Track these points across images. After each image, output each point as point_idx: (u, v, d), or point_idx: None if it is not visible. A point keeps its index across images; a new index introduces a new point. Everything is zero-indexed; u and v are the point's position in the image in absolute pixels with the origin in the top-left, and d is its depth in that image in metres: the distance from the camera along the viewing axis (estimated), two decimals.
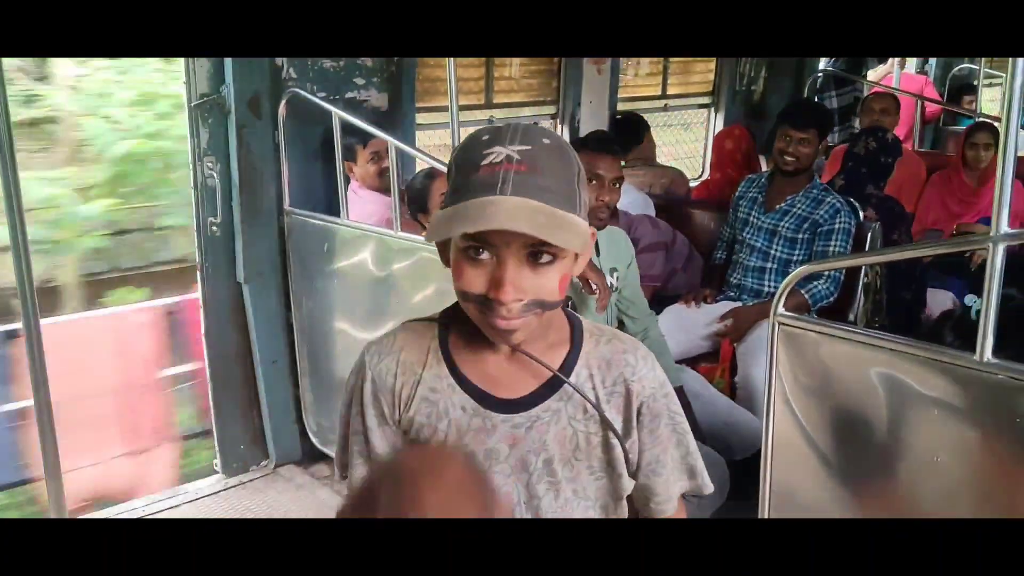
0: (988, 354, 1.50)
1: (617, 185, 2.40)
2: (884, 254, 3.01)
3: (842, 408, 1.76)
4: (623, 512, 1.17)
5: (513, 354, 1.09)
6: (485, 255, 0.97)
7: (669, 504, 1.18)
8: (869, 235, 3.14)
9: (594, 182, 2.36)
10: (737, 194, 3.34)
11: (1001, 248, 1.47)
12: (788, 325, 1.82)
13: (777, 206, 3.13)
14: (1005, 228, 1.46)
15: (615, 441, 1.11)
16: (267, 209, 3.17)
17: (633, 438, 1.12)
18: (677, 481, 1.18)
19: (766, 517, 1.93)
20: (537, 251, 0.97)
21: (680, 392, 2.68)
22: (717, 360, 3.17)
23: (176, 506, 3.22)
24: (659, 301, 3.35)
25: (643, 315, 2.67)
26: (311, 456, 3.45)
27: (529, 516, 1.11)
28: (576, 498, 1.12)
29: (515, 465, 1.09)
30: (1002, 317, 1.65)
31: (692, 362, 3.12)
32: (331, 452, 3.33)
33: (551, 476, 1.10)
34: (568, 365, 1.10)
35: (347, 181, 3.05)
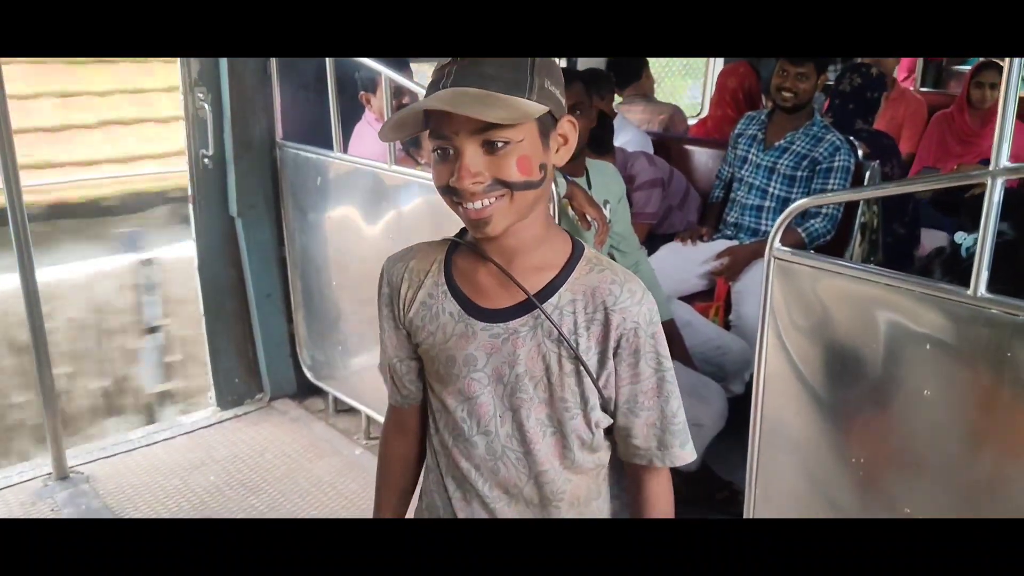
0: (982, 289, 1.49)
1: (579, 112, 2.35)
2: (881, 189, 2.98)
3: (834, 343, 1.76)
4: (599, 444, 1.17)
5: (506, 268, 1.12)
6: (450, 152, 1.04)
7: (647, 453, 1.16)
8: (868, 174, 3.11)
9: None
10: (736, 131, 3.30)
11: (1000, 183, 1.45)
12: (784, 260, 1.81)
13: (776, 143, 3.10)
14: (1005, 163, 1.44)
15: (586, 369, 1.11)
16: (259, 142, 3.13)
17: (609, 370, 1.12)
18: (654, 429, 1.15)
19: (756, 453, 1.94)
20: (491, 139, 1.02)
21: (671, 324, 2.69)
22: (712, 298, 3.17)
23: (172, 438, 3.25)
24: (655, 238, 3.34)
25: (633, 250, 2.65)
26: (306, 389, 3.47)
27: (502, 429, 1.15)
28: (551, 424, 1.14)
29: (491, 374, 1.13)
30: (995, 252, 1.65)
31: (688, 300, 3.11)
32: (325, 386, 3.37)
33: (523, 392, 1.12)
34: (551, 287, 1.12)
35: (341, 115, 2.99)
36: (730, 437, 1.98)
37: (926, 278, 1.69)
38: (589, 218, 2.35)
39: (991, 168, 1.45)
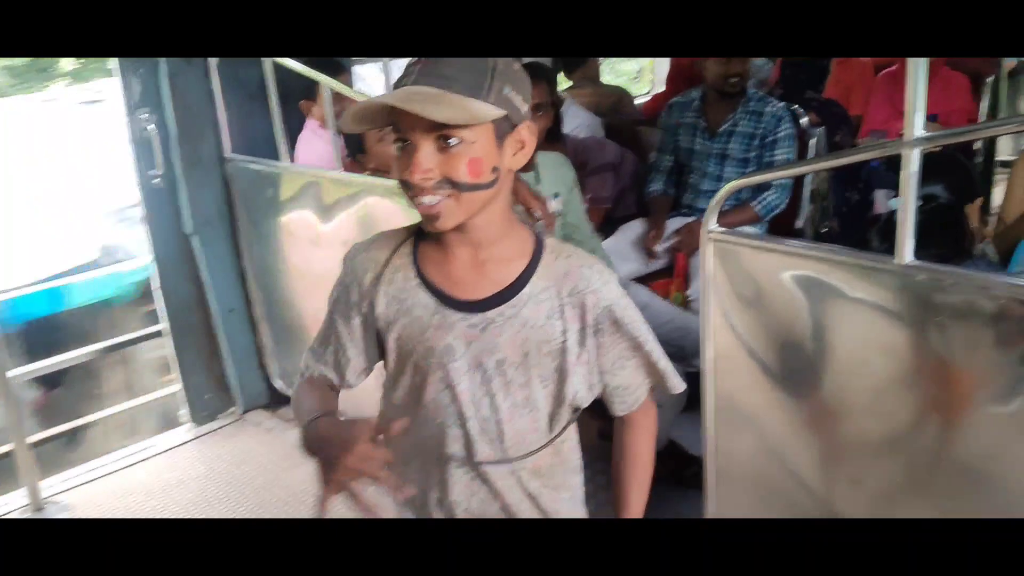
0: (909, 256, 1.53)
1: (541, 112, 2.37)
2: (805, 165, 2.98)
3: (776, 318, 1.79)
4: (567, 415, 1.27)
5: (475, 261, 1.19)
6: (409, 145, 1.09)
7: (636, 394, 1.32)
8: (813, 141, 3.15)
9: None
10: (669, 122, 3.23)
11: (916, 152, 1.48)
12: (720, 241, 1.84)
13: (720, 129, 3.07)
14: (919, 132, 1.47)
15: (567, 348, 1.20)
16: (208, 158, 3.13)
17: (589, 346, 1.23)
18: (644, 376, 1.31)
19: (711, 430, 1.98)
20: (445, 135, 1.07)
21: None
22: (672, 275, 3.20)
23: (147, 458, 3.25)
24: (611, 222, 3.36)
25: (587, 238, 2.67)
26: (277, 399, 3.48)
27: (479, 413, 1.22)
28: (526, 405, 1.23)
29: (470, 362, 1.19)
30: (927, 217, 1.68)
31: (647, 279, 3.14)
32: None
33: (502, 377, 1.20)
34: (525, 276, 1.19)
35: (286, 125, 2.99)
36: (696, 413, 2.01)
37: (865, 246, 1.73)
38: (535, 212, 2.37)
39: (905, 138, 1.48)
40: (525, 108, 1.15)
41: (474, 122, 1.07)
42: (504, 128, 1.11)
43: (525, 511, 1.29)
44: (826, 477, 1.80)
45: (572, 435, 1.32)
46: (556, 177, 2.55)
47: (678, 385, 1.34)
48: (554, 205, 2.51)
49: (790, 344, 1.79)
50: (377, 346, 1.28)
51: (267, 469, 3.12)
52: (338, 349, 1.29)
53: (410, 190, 1.11)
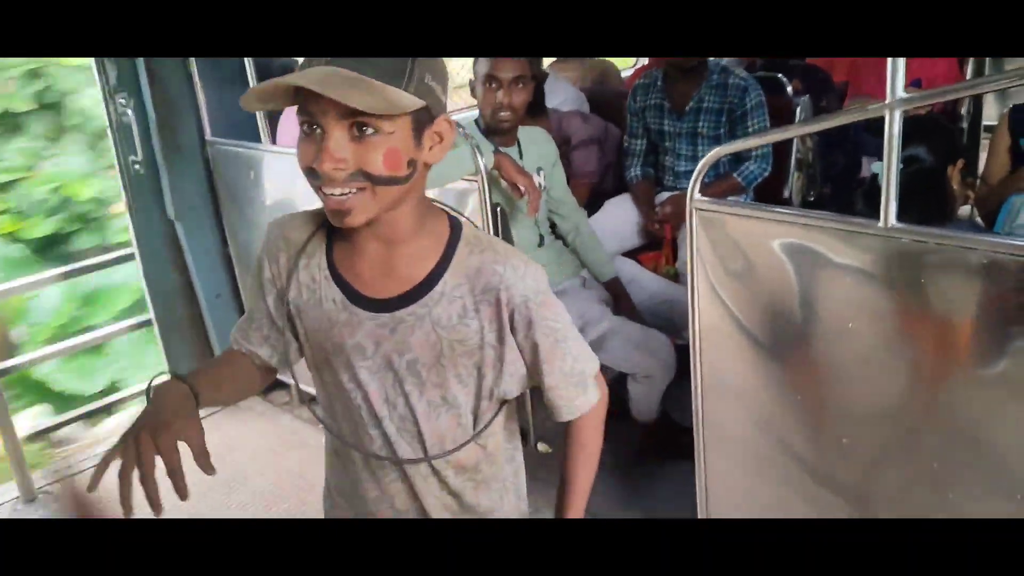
0: (892, 219, 1.52)
1: (521, 85, 2.35)
2: (785, 131, 2.94)
3: (763, 286, 1.78)
4: (492, 410, 1.21)
5: (385, 257, 1.12)
6: (317, 130, 1.00)
7: (569, 407, 1.23)
8: (799, 109, 3.13)
9: (492, 85, 2.34)
10: (635, 106, 3.16)
11: (898, 114, 1.47)
12: (705, 211, 1.83)
13: (687, 108, 2.99)
14: (901, 93, 1.46)
15: (485, 346, 1.14)
16: (189, 142, 3.10)
17: (510, 344, 1.16)
18: (567, 387, 1.21)
19: (700, 402, 1.98)
20: (361, 123, 0.98)
21: (616, 282, 2.71)
22: (660, 248, 3.19)
23: None
24: (597, 196, 3.34)
25: (573, 212, 2.66)
26: (268, 384, 3.46)
27: (395, 413, 1.17)
28: (444, 404, 1.17)
29: (380, 363, 1.14)
30: (910, 180, 1.67)
31: (636, 252, 3.13)
32: (287, 378, 3.36)
33: (415, 377, 1.14)
34: (436, 274, 1.12)
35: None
36: (688, 385, 2.01)
37: (850, 211, 1.72)
38: (521, 187, 2.36)
39: (887, 100, 1.47)
40: (445, 99, 1.07)
41: (393, 111, 0.98)
42: (423, 119, 1.03)
43: (446, 509, 1.24)
44: (815, 443, 1.80)
45: (499, 428, 1.25)
46: (539, 152, 2.53)
47: (582, 407, 1.24)
48: (538, 180, 2.50)
49: (777, 312, 1.78)
50: (292, 330, 1.21)
51: (259, 455, 3.11)
52: (260, 326, 1.23)
53: (317, 180, 1.02)
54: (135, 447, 1.02)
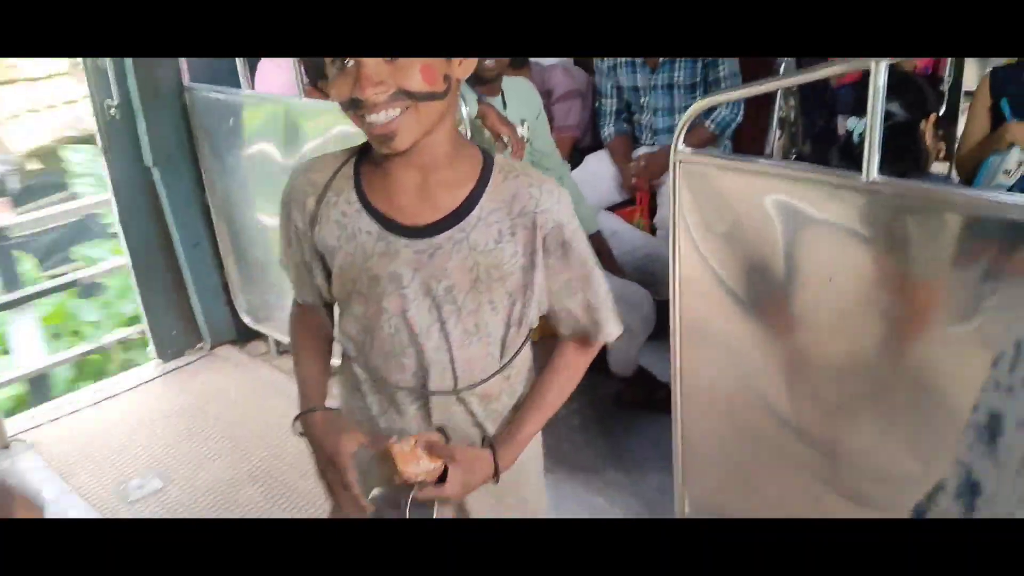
0: (874, 173, 1.52)
1: None
2: (764, 84, 2.94)
3: (744, 239, 1.78)
4: (520, 339, 1.24)
5: (422, 185, 1.14)
6: (349, 63, 1.02)
7: (582, 331, 1.29)
8: (783, 67, 3.12)
9: None
10: (603, 65, 3.14)
11: (883, 66, 1.47)
12: (688, 162, 1.83)
13: (659, 60, 2.97)
14: None
15: (519, 272, 1.17)
16: (166, 87, 3.04)
17: (539, 268, 1.19)
18: (595, 311, 1.26)
19: (678, 354, 1.99)
20: None
21: (598, 236, 2.71)
22: (634, 203, 3.19)
23: (115, 395, 3.23)
24: (580, 151, 3.33)
25: (556, 165, 2.66)
26: (245, 334, 3.46)
27: (430, 341, 1.18)
28: (477, 332, 1.19)
29: (417, 290, 1.16)
30: (885, 135, 1.67)
31: (614, 209, 3.13)
32: (264, 329, 3.36)
33: (452, 304, 1.16)
34: (473, 198, 1.15)
35: None
36: (666, 340, 2.02)
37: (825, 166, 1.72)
38: (505, 139, 2.34)
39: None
40: None
41: None
42: None
43: (467, 439, 1.26)
44: (791, 396, 1.83)
45: (523, 362, 1.28)
46: (522, 103, 2.52)
47: (613, 333, 1.29)
48: (522, 131, 2.48)
49: (757, 265, 1.79)
50: (322, 269, 1.24)
51: (237, 404, 3.11)
52: (305, 274, 1.25)
53: (360, 109, 1.03)
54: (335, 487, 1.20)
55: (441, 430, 1.24)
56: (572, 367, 1.34)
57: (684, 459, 2.11)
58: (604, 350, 2.66)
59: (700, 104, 1.86)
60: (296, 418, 1.26)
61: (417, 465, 1.16)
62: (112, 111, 2.98)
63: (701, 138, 2.96)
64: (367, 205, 1.16)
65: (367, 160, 1.17)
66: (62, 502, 2.61)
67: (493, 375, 1.23)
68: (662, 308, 2.61)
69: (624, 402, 2.84)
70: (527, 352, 1.29)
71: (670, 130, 3.08)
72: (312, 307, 1.30)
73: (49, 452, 2.88)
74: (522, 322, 1.22)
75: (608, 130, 3.21)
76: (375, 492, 1.20)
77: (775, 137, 3.15)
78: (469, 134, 2.23)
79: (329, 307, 1.31)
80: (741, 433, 1.94)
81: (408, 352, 1.19)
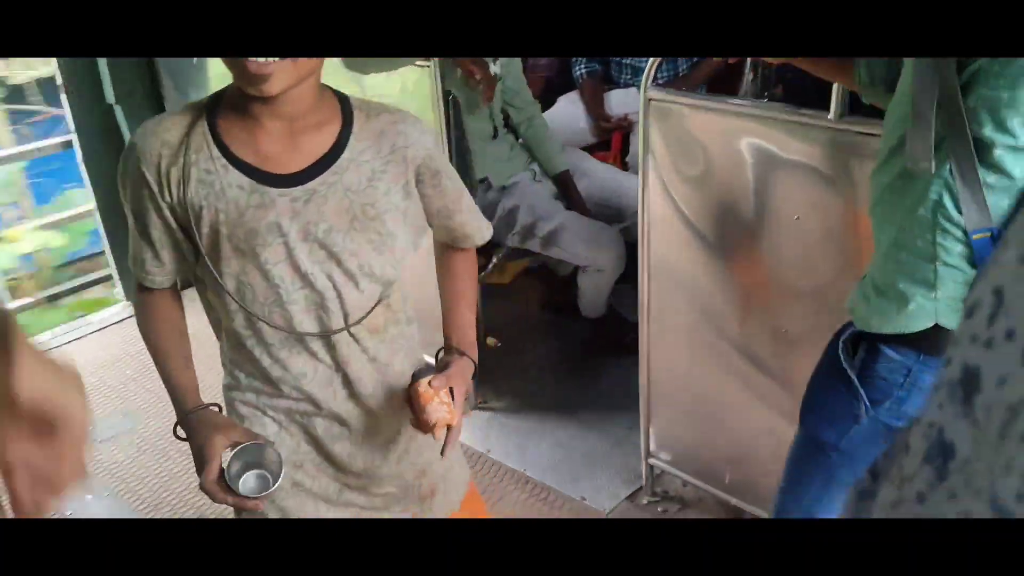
0: (842, 111, 1.53)
1: None
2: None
3: (712, 179, 1.80)
4: (397, 270, 1.26)
5: (288, 133, 1.13)
6: None
7: (469, 240, 1.36)
8: None
9: None
10: None
11: None
12: (657, 100, 1.82)
13: None
14: None
15: (393, 207, 1.19)
16: None
17: (414, 198, 1.23)
18: (472, 221, 1.34)
19: (647, 294, 2.01)
20: None
21: (566, 175, 2.70)
22: (608, 148, 3.19)
23: (82, 337, 3.21)
24: (552, 90, 3.30)
25: (527, 104, 2.64)
26: None
27: (315, 285, 1.18)
28: (360, 270, 1.20)
29: (297, 236, 1.15)
30: None
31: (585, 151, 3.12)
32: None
33: (333, 246, 1.17)
34: (341, 141, 1.16)
35: None
36: (635, 281, 2.04)
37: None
38: (477, 75, 2.32)
39: None
40: None
41: None
42: None
43: (366, 375, 1.28)
44: (754, 331, 1.86)
45: (399, 291, 1.31)
46: None
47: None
48: (494, 68, 2.46)
49: (726, 205, 1.80)
50: (186, 237, 1.18)
51: (204, 344, 3.08)
52: (158, 249, 1.20)
53: None
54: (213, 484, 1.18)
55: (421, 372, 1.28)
56: (468, 265, 1.42)
57: (650, 395, 2.14)
58: (575, 292, 2.70)
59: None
60: (176, 424, 1.26)
61: (441, 406, 1.21)
62: None
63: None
64: (232, 159, 1.13)
65: (223, 115, 1.14)
66: None
67: (376, 306, 1.24)
68: (631, 249, 2.63)
69: (594, 346, 2.86)
70: (401, 278, 1.31)
71: (639, 68, 3.05)
72: (162, 293, 1.27)
73: None
74: (398, 254, 1.23)
75: (579, 69, 3.18)
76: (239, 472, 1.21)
77: (747, 79, 3.14)
78: (437, 71, 2.19)
79: (175, 291, 1.29)
80: (705, 365, 1.98)
81: (295, 298, 1.18)
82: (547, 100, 3.19)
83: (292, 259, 1.15)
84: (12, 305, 3.58)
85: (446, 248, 1.39)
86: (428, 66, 2.18)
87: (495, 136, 2.57)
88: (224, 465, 1.17)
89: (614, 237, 2.59)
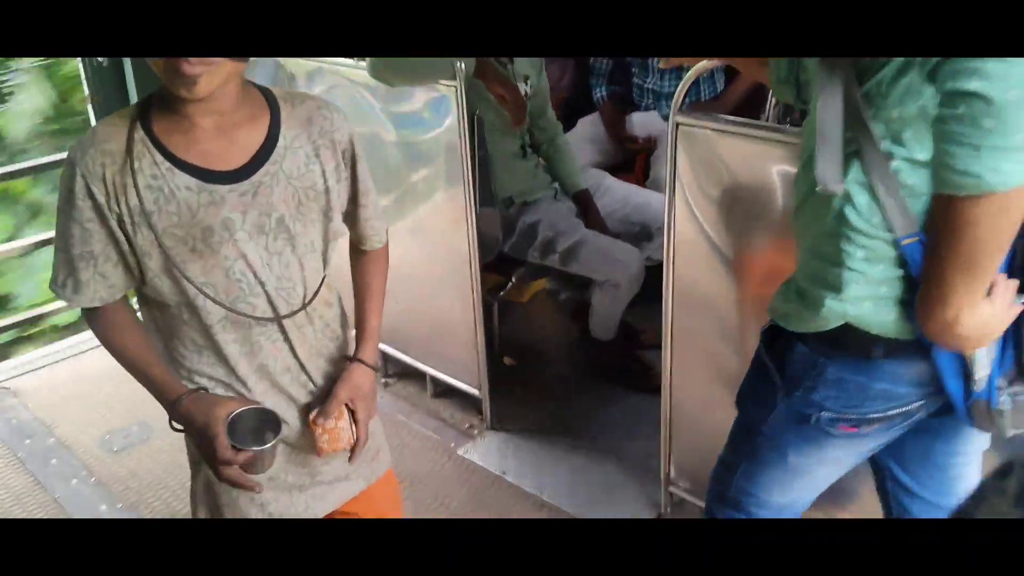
0: None
1: None
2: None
3: (739, 202, 1.79)
4: (333, 250, 1.34)
5: (222, 129, 1.17)
6: None
7: (380, 236, 1.43)
8: None
9: None
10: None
11: None
12: (687, 125, 1.82)
13: None
14: None
15: (329, 188, 1.26)
16: None
17: (343, 180, 1.30)
18: (375, 222, 1.40)
19: (670, 317, 2.00)
20: None
21: (585, 193, 2.70)
22: (631, 170, 3.19)
23: (95, 347, 3.20)
24: (573, 112, 3.30)
25: (551, 124, 2.65)
26: None
27: (274, 272, 1.24)
28: (311, 251, 1.28)
29: (252, 229, 1.20)
30: None
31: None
32: None
33: (286, 233, 1.23)
34: (273, 131, 1.21)
35: None
36: (656, 302, 2.02)
37: None
38: (507, 99, 2.32)
39: None
40: None
41: None
42: None
43: (316, 355, 1.35)
44: None
45: (332, 270, 1.37)
46: (527, 60, 2.49)
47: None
48: (524, 88, 2.46)
49: (753, 229, 1.80)
50: (131, 250, 1.19)
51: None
52: (101, 264, 1.19)
53: None
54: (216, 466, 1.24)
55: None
56: (374, 266, 1.47)
57: (671, 420, 2.12)
58: (588, 312, 2.67)
59: (697, 68, 1.84)
60: (171, 417, 1.28)
61: (341, 435, 1.34)
62: (99, 60, 2.93)
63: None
64: (176, 161, 1.15)
65: (156, 119, 1.15)
66: (47, 453, 2.61)
67: (322, 283, 1.33)
68: (652, 271, 2.62)
69: (604, 371, 2.83)
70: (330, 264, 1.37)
71: (667, 96, 3.05)
72: (114, 308, 1.26)
73: (33, 400, 2.88)
74: (333, 233, 1.31)
75: (599, 93, 3.18)
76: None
77: (770, 104, 3.14)
78: (463, 91, 2.15)
79: (123, 298, 1.28)
80: (728, 396, 1.94)
81: (254, 290, 1.23)
82: (566, 121, 3.19)
83: (249, 253, 1.20)
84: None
85: (356, 248, 1.46)
86: (454, 86, 2.16)
87: (524, 155, 2.57)
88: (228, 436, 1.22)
89: (632, 254, 2.56)
